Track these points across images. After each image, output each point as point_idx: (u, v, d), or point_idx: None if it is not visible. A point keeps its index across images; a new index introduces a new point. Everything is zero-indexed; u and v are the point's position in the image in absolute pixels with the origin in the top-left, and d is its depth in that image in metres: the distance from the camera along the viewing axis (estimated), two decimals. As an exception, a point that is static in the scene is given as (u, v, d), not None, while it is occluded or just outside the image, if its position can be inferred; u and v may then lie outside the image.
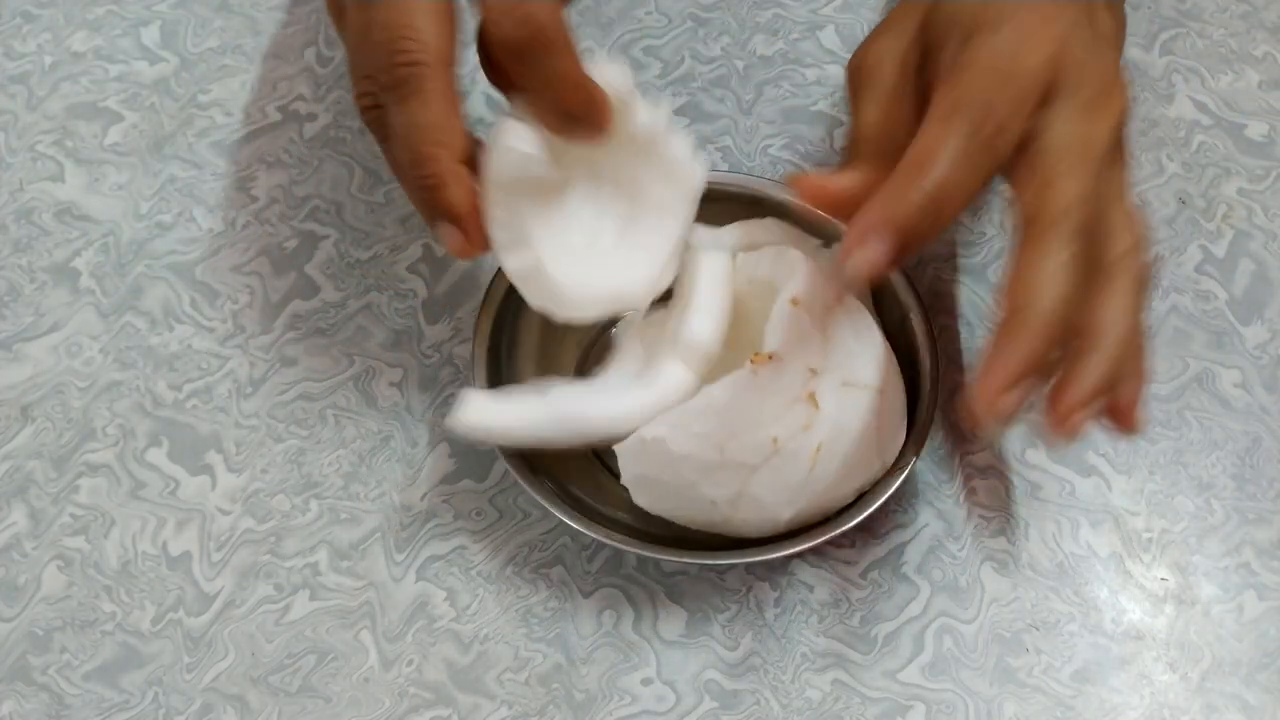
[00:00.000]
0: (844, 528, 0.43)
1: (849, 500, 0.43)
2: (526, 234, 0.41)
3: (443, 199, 0.39)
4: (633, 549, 0.43)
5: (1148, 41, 0.58)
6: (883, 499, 0.43)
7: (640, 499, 0.43)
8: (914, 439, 0.44)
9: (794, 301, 0.41)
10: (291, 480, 0.48)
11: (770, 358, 0.40)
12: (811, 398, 0.40)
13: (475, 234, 0.39)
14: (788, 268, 0.43)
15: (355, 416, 0.49)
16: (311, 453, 0.49)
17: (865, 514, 0.43)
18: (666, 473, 0.41)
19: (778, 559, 0.43)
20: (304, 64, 0.58)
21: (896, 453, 0.44)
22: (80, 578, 0.46)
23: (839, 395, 0.41)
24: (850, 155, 0.43)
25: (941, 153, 0.38)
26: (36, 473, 0.48)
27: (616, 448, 0.42)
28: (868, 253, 0.38)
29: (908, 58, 0.43)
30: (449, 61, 0.38)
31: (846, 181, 0.41)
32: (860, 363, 0.42)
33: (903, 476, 0.43)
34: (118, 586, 0.46)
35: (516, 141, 0.39)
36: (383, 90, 0.39)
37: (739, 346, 0.46)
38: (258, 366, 0.50)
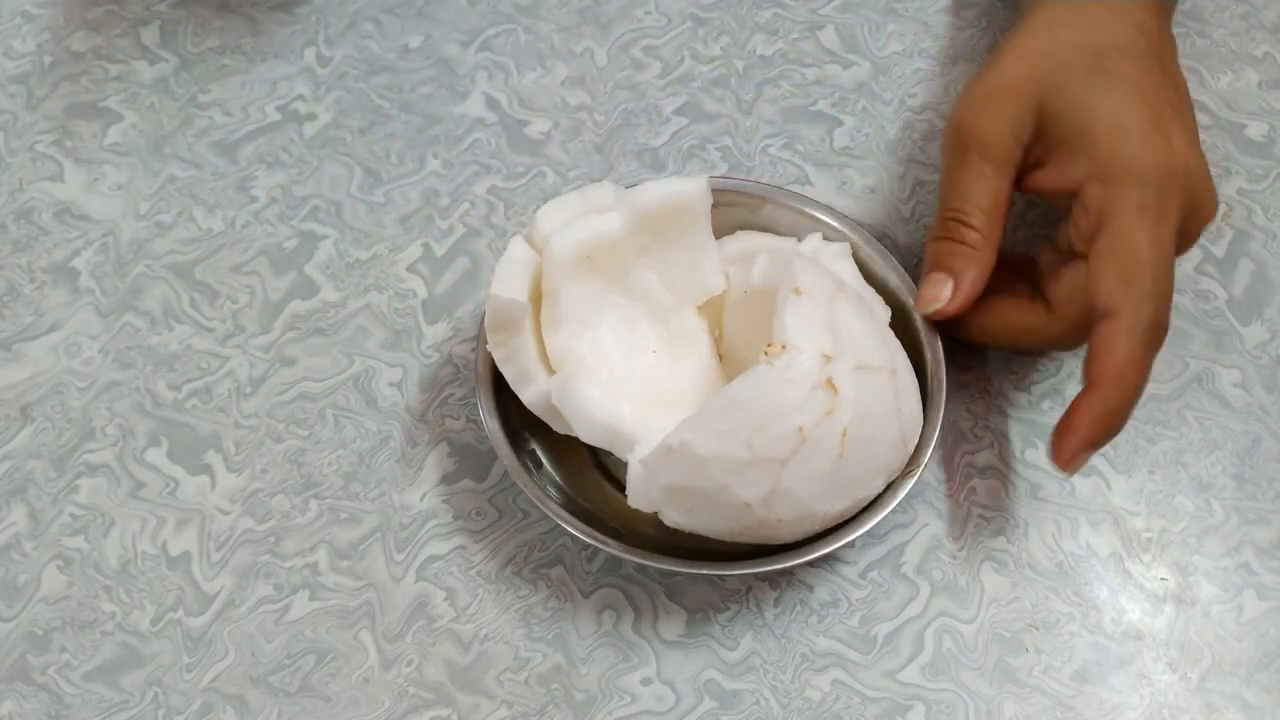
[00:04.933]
0: (847, 539, 0.43)
1: (879, 490, 0.43)
2: (530, 367, 0.44)
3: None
4: (632, 556, 0.43)
5: (1148, 41, 0.58)
6: (890, 507, 0.43)
7: (672, 515, 0.42)
8: (924, 441, 0.44)
9: (797, 291, 0.41)
10: (291, 480, 0.48)
11: (783, 347, 0.40)
12: (830, 383, 0.40)
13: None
14: (783, 265, 0.43)
15: (355, 416, 0.49)
16: (311, 453, 0.49)
17: (874, 522, 0.43)
18: (696, 479, 0.40)
19: (778, 570, 0.44)
20: (304, 64, 0.58)
21: (918, 435, 0.44)
22: (80, 578, 0.46)
23: (855, 378, 0.41)
24: (947, 230, 0.45)
25: (1141, 374, 0.41)
26: (36, 473, 0.48)
27: (642, 461, 0.42)
28: (1079, 463, 0.42)
29: (1021, 132, 0.44)
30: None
31: (962, 301, 0.45)
32: (870, 345, 0.42)
33: (911, 482, 0.43)
34: (117, 586, 0.46)
35: (500, 289, 0.43)
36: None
37: (749, 357, 0.46)
38: (257, 366, 0.50)
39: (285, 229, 0.54)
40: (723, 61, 0.58)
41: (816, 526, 0.42)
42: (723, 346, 0.48)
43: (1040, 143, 0.45)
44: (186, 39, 0.59)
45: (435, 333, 0.51)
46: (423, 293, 0.52)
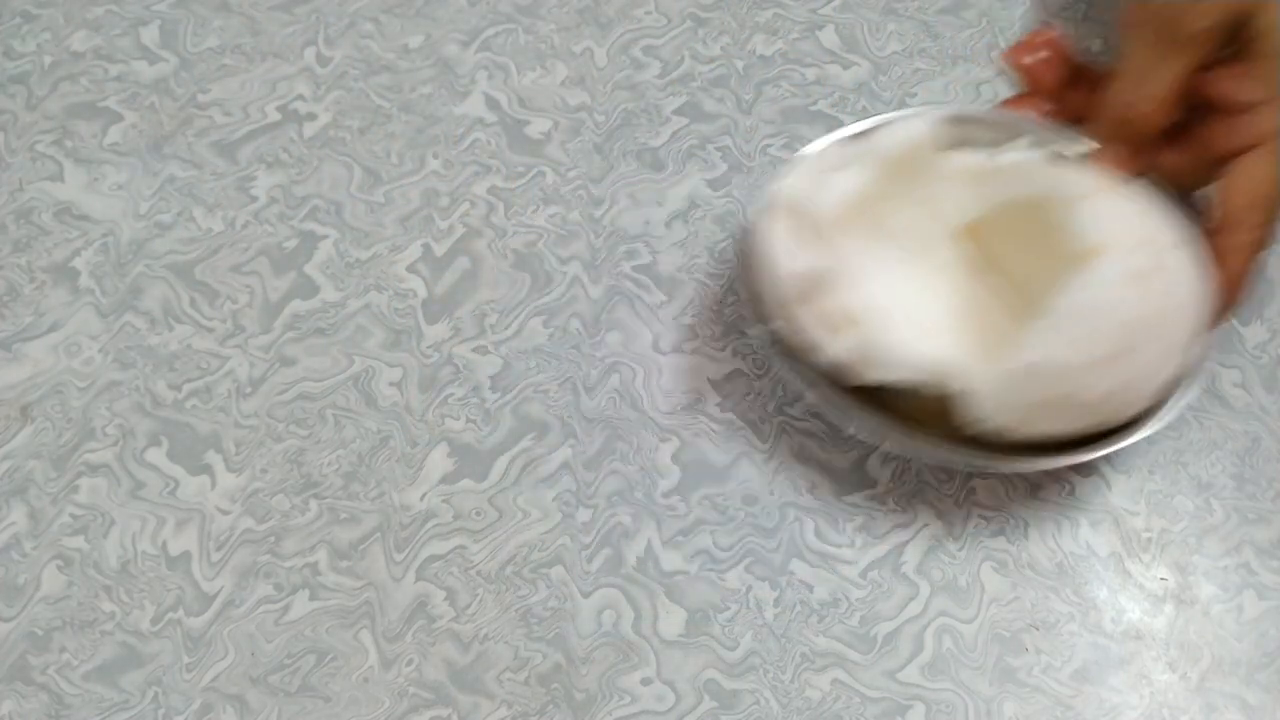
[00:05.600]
0: (1130, 439, 0.44)
1: (1194, 348, 0.44)
2: (828, 327, 0.45)
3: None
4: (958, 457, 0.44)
5: (1147, 41, 0.58)
6: (1177, 404, 0.44)
7: (1022, 429, 0.43)
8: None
9: (1100, 191, 0.44)
10: (291, 480, 0.48)
11: (1099, 249, 0.42)
12: (1149, 271, 0.42)
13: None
14: (1044, 174, 0.45)
15: (355, 416, 0.49)
16: (311, 453, 0.49)
17: (1157, 425, 0.44)
18: (1051, 388, 0.42)
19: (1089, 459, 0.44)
20: (304, 64, 0.58)
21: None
22: (80, 578, 0.46)
23: (1165, 259, 0.43)
24: (1122, 127, 0.46)
25: (1250, 279, 0.46)
26: (36, 473, 0.48)
27: (993, 383, 0.43)
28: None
29: (1226, 30, 0.45)
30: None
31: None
32: (1161, 225, 0.44)
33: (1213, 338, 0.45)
34: (117, 586, 0.46)
35: (786, 264, 0.44)
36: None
37: (1024, 270, 0.47)
38: (257, 366, 0.51)
39: (285, 229, 0.54)
40: (723, 61, 0.58)
41: (1148, 401, 0.44)
42: (988, 266, 0.48)
43: (1231, 44, 0.46)
44: (186, 39, 0.59)
45: (435, 333, 0.51)
46: (423, 293, 0.52)
